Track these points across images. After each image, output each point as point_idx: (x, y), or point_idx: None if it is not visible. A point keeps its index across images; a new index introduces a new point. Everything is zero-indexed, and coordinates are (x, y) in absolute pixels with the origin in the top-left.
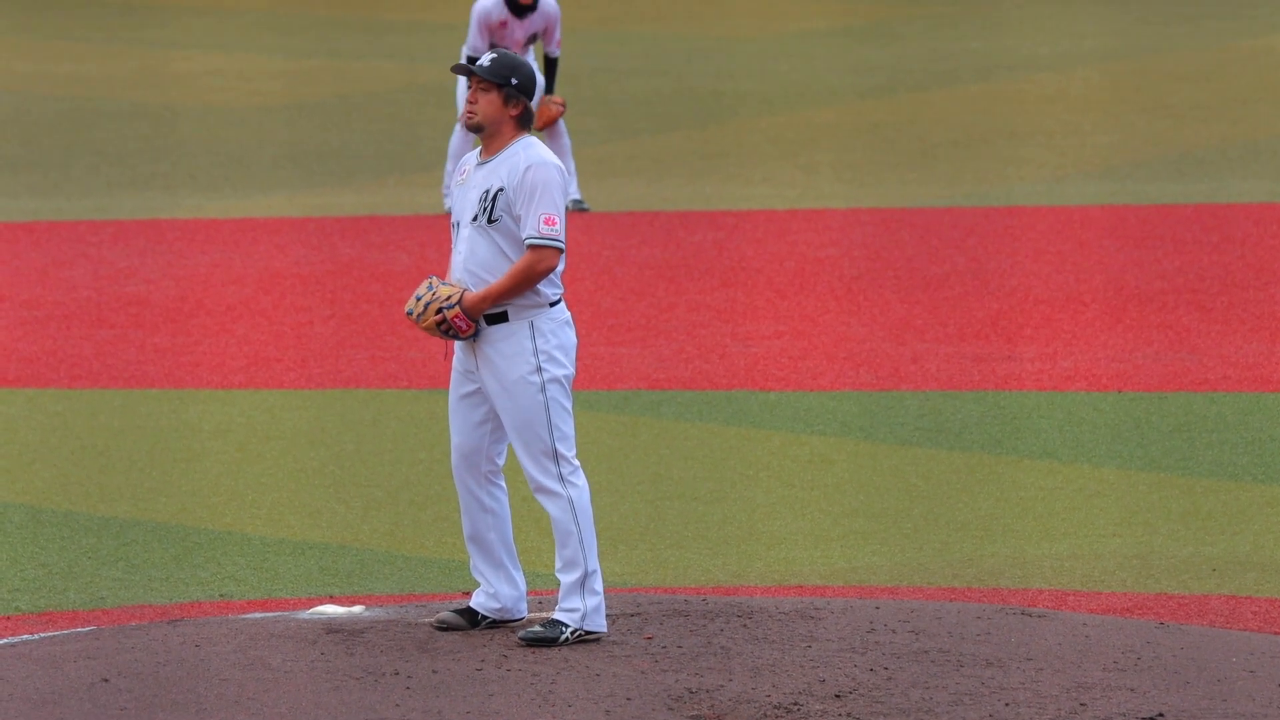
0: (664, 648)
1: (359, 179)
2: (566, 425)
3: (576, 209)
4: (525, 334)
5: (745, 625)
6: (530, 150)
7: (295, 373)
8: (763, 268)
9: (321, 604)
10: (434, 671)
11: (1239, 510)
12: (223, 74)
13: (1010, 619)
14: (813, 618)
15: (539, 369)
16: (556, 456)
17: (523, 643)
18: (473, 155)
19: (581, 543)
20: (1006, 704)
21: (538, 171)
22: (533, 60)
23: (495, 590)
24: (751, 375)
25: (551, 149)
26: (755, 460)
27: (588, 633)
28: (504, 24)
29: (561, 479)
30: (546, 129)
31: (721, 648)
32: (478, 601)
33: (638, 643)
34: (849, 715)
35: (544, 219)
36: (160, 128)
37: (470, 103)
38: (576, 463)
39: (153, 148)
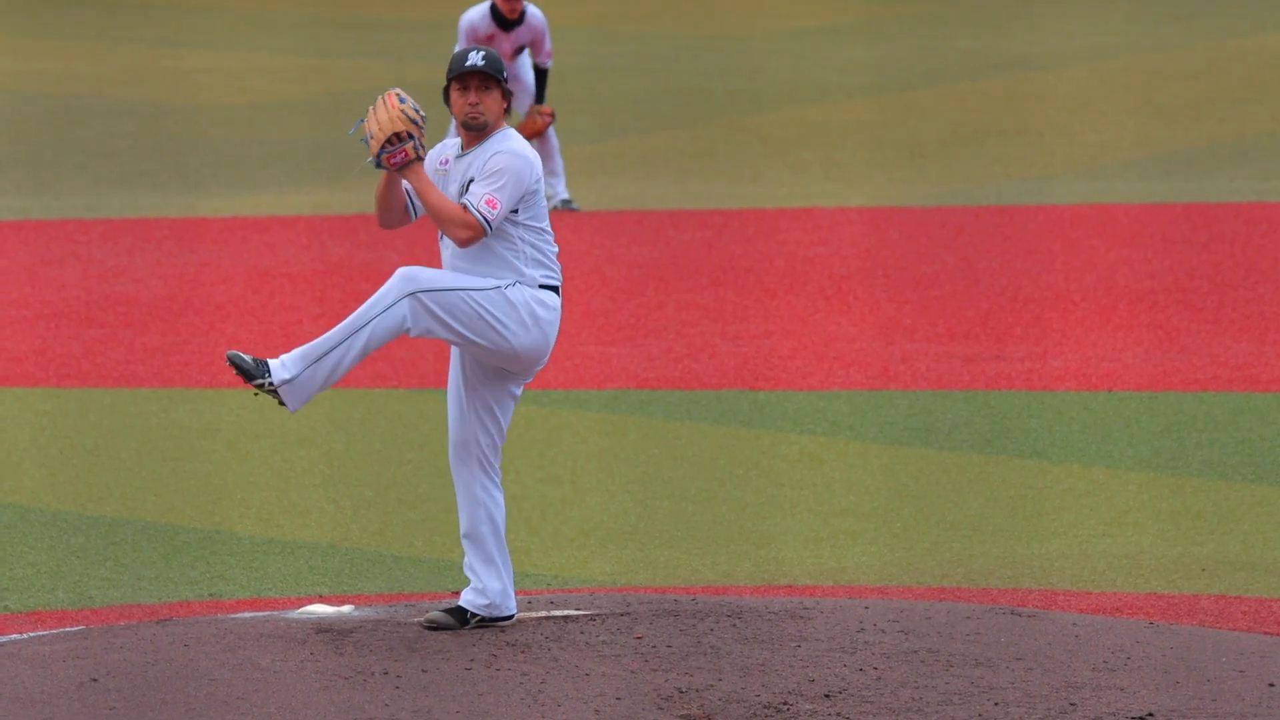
0: (654, 647)
1: (346, 177)
2: (479, 319)
3: (565, 208)
4: (499, 289)
5: (735, 625)
6: (505, 140)
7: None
8: (752, 267)
9: (311, 603)
10: (423, 671)
11: (1229, 510)
12: (211, 72)
13: (1000, 619)
14: (802, 617)
15: (498, 287)
16: (434, 301)
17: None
18: (452, 145)
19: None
20: (996, 703)
21: (501, 158)
22: (528, 66)
23: (484, 586)
24: (741, 375)
25: (539, 150)
26: (745, 460)
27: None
28: (491, 37)
29: (418, 312)
30: (535, 138)
31: (711, 647)
32: (467, 599)
33: (627, 642)
34: (839, 715)
35: (488, 198)
36: (149, 126)
37: (473, 104)
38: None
39: (141, 146)
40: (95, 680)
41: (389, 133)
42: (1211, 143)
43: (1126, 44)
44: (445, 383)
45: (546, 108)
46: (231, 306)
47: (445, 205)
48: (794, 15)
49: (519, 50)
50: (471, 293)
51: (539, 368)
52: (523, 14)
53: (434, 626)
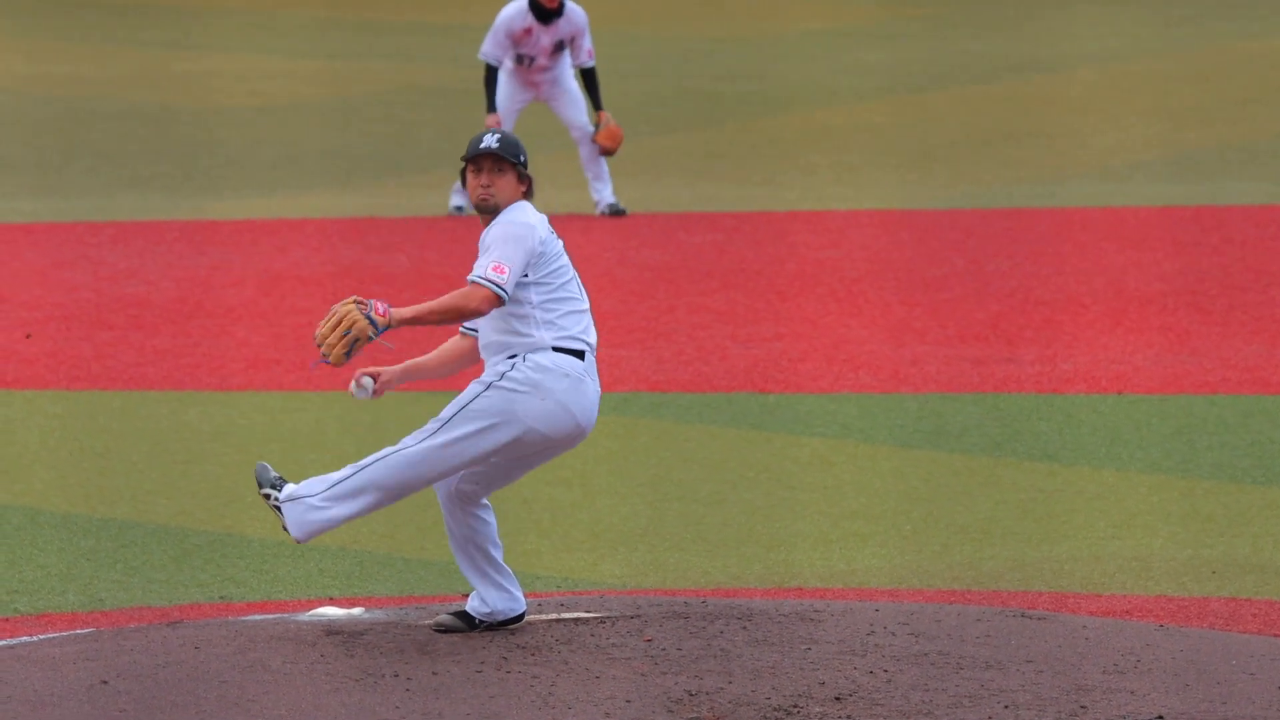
0: (664, 650)
1: (357, 180)
2: (458, 446)
3: (613, 213)
4: (505, 361)
5: (745, 627)
6: (509, 213)
7: (295, 375)
8: (763, 269)
9: (321, 606)
10: (434, 673)
11: (1239, 513)
12: (221, 75)
13: (1010, 621)
14: (813, 620)
15: (491, 383)
16: (426, 435)
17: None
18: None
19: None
20: (1006, 706)
21: (498, 229)
22: (568, 69)
23: (484, 596)
24: (751, 377)
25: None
26: (755, 462)
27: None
28: (529, 31)
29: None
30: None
31: (721, 650)
32: (472, 606)
33: (637, 645)
34: (849, 718)
35: (494, 265)
36: (159, 129)
37: (485, 185)
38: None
39: (152, 149)
40: (106, 682)
41: (347, 344)
42: (1221, 145)
43: (1136, 47)
44: (454, 384)
45: (604, 114)
46: (242, 309)
47: (450, 300)
48: (804, 18)
49: (558, 48)
50: (452, 433)
51: (580, 435)
52: (561, 5)
53: (443, 629)
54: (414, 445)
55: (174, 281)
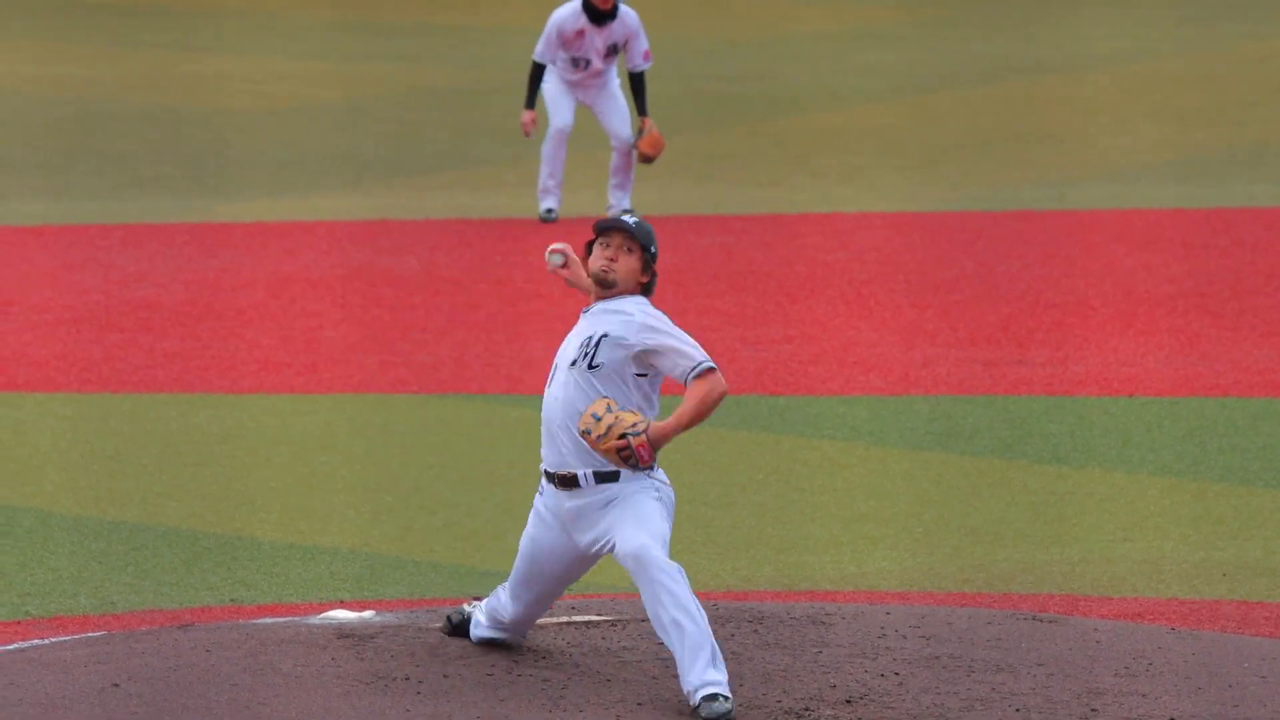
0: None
1: (366, 182)
2: (668, 543)
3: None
4: (644, 480)
5: (756, 631)
6: (641, 305)
7: (305, 377)
8: (772, 272)
9: (332, 609)
10: (444, 676)
11: (1250, 515)
12: (229, 77)
13: (1021, 624)
14: (823, 623)
15: (658, 490)
16: (663, 542)
17: None
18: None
19: (695, 620)
20: (1017, 709)
21: (656, 322)
22: (615, 75)
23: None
24: (761, 380)
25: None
26: (765, 465)
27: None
28: (581, 33)
29: (664, 555)
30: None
31: (732, 653)
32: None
33: (649, 649)
34: None
35: (690, 349)
36: (167, 131)
37: (610, 259)
38: None
39: (160, 151)
40: (117, 685)
41: (614, 458)
42: (1231, 147)
43: (1145, 48)
44: (464, 386)
45: (648, 120)
46: (252, 311)
47: (700, 405)
48: (812, 20)
49: (611, 50)
50: (658, 508)
51: None
52: (615, 7)
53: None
54: (668, 563)
55: (184, 284)
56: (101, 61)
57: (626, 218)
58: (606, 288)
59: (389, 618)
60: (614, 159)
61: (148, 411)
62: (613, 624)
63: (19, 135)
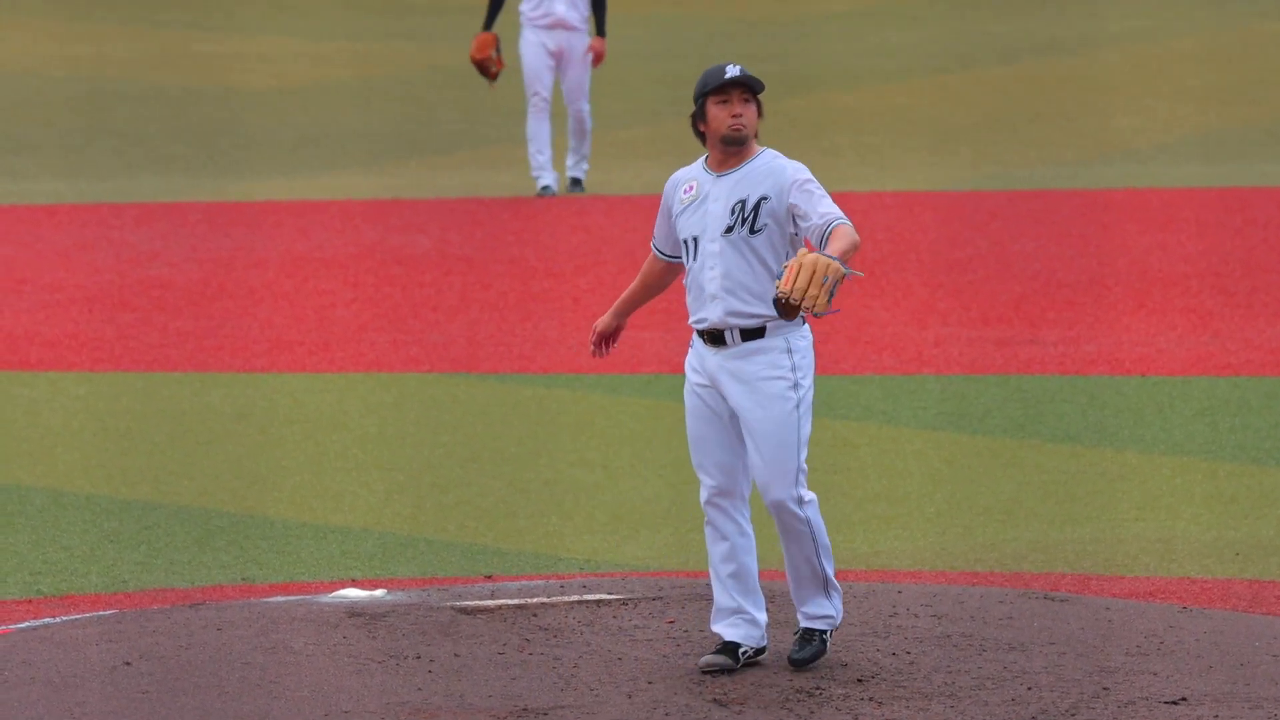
0: (686, 632)
1: (380, 161)
2: (806, 446)
3: (575, 189)
4: (782, 349)
5: (767, 610)
6: (781, 158)
7: (317, 356)
8: None
9: (343, 587)
10: (456, 655)
11: (1262, 494)
12: (243, 56)
13: (1033, 603)
14: None
15: (795, 385)
16: (798, 476)
17: (797, 666)
18: (693, 171)
19: (819, 554)
20: (1029, 688)
21: (801, 169)
22: (585, 42)
23: (753, 617)
24: None
25: (575, 130)
26: None
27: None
28: None
29: (800, 501)
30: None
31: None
32: (743, 634)
33: (659, 627)
34: (871, 699)
35: (833, 203)
36: (181, 110)
37: (736, 115)
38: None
39: (174, 130)
40: (129, 664)
41: (829, 289)
42: (1246, 127)
43: (1159, 28)
44: (476, 365)
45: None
46: (265, 291)
47: (851, 239)
48: (828, 0)
49: None
50: (807, 424)
51: None
52: None
53: (711, 670)
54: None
55: (197, 263)
56: (117, 41)
57: (732, 69)
58: (739, 145)
59: (401, 596)
60: (570, 125)
61: (160, 390)
62: (624, 603)
63: (32, 114)
